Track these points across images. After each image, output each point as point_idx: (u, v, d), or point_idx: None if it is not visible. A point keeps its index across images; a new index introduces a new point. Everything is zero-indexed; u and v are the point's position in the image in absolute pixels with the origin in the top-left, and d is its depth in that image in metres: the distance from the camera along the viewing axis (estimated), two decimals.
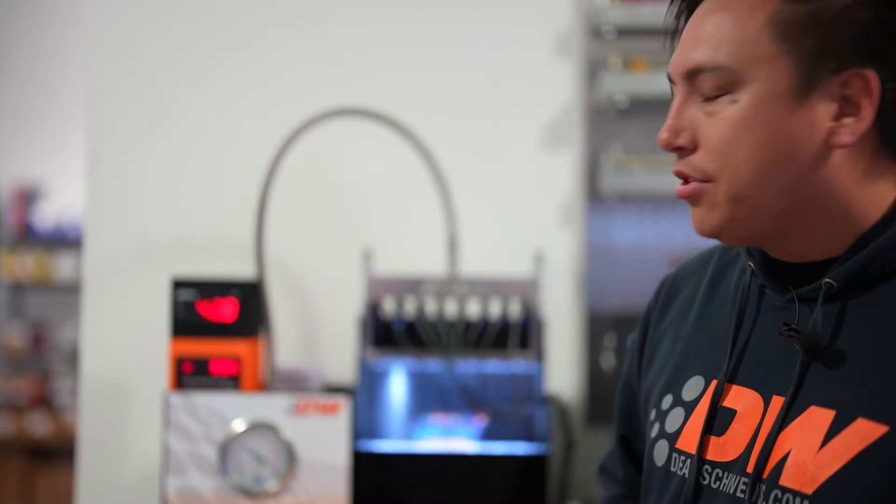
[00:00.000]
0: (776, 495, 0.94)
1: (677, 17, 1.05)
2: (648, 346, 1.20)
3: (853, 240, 0.98)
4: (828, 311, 0.98)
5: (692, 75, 0.99)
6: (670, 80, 1.03)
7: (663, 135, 1.01)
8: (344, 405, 1.82)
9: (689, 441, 1.05)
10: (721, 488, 1.00)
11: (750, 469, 0.98)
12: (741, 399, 1.02)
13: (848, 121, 0.96)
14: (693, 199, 1.02)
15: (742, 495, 0.98)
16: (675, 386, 1.11)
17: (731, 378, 1.04)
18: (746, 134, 0.97)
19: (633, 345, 1.25)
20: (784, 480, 0.94)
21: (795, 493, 0.93)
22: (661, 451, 1.09)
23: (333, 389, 2.02)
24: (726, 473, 1.00)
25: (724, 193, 0.99)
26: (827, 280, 0.98)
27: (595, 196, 2.23)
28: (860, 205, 0.98)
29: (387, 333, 2.03)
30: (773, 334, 1.02)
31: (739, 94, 0.97)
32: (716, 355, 1.07)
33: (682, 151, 1.01)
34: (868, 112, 0.96)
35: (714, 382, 1.05)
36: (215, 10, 2.30)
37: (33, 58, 6.14)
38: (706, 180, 1.00)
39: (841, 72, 0.95)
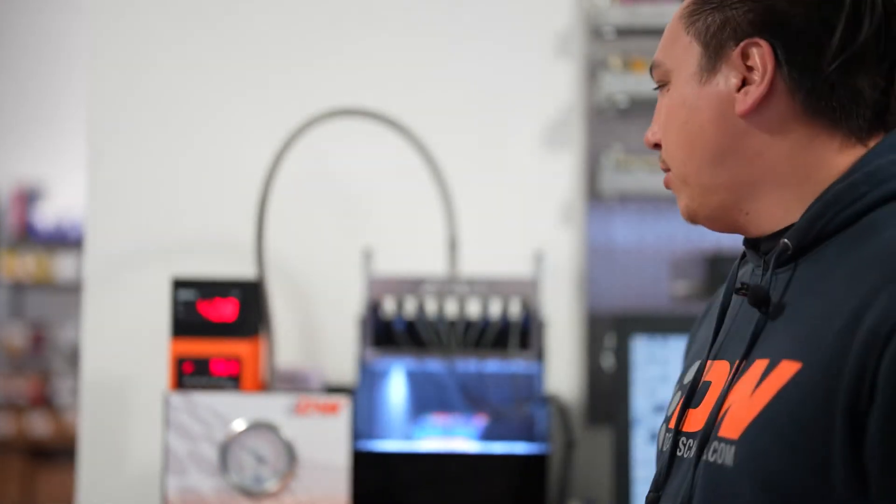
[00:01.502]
0: (714, 447, 0.98)
1: None
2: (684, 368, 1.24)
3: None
4: (785, 274, 1.02)
5: (652, 75, 1.12)
6: None
7: (646, 135, 1.13)
8: (344, 405, 1.82)
9: (675, 419, 1.09)
10: (687, 456, 1.04)
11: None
12: (715, 371, 1.06)
13: (749, 88, 1.02)
14: (672, 189, 1.11)
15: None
16: (682, 377, 1.16)
17: (716, 355, 1.08)
18: (672, 118, 1.08)
19: None
20: (721, 432, 0.98)
21: (727, 442, 0.97)
22: (660, 436, 1.14)
23: (333, 389, 2.02)
24: (692, 441, 1.04)
25: (677, 178, 1.08)
26: (783, 240, 1.01)
27: (595, 196, 2.24)
28: (814, 172, 1.02)
29: (387, 333, 2.03)
30: (749, 308, 1.05)
31: (672, 86, 1.08)
32: (709, 341, 1.12)
33: (657, 148, 1.11)
34: (762, 77, 1.01)
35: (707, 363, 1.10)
36: (216, 10, 2.30)
37: (34, 58, 6.14)
38: (668, 169, 1.09)
39: (739, 43, 1.02)
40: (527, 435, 2.02)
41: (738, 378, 1.00)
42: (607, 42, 2.23)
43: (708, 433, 1.00)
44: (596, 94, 2.22)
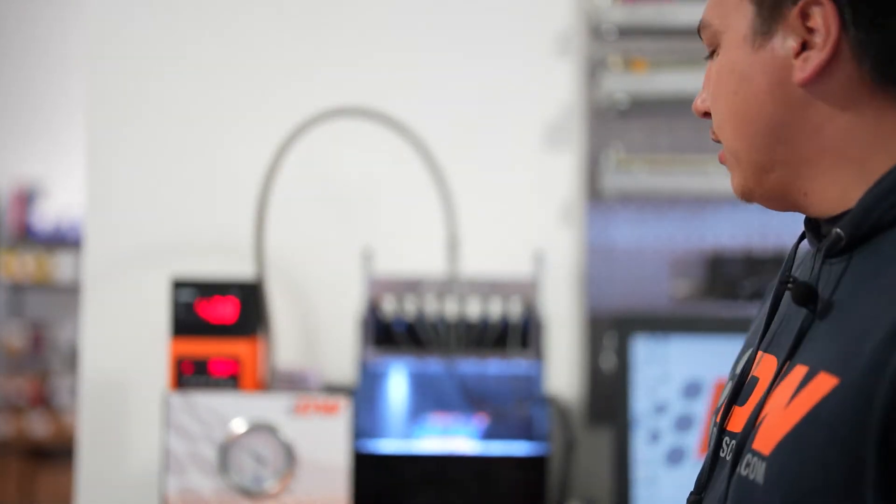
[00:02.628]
0: (748, 460, 0.91)
1: None
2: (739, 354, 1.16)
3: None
4: (837, 266, 0.93)
5: (701, 36, 1.00)
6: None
7: (694, 103, 1.02)
8: (344, 405, 1.82)
9: (721, 414, 1.02)
10: (729, 459, 0.97)
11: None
12: (764, 366, 0.98)
13: (809, 54, 0.91)
14: (725, 165, 1.01)
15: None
16: (735, 365, 1.07)
17: (766, 346, 1.00)
18: (722, 85, 0.97)
19: None
20: (754, 444, 0.91)
21: (759, 457, 0.89)
22: (711, 431, 1.06)
23: (333, 389, 2.02)
24: (734, 443, 0.96)
25: (728, 153, 0.98)
26: (836, 230, 0.91)
27: (595, 196, 2.23)
28: (879, 150, 0.91)
29: (387, 333, 2.03)
30: None
31: (720, 49, 0.97)
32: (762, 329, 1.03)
33: (706, 117, 1.01)
34: (825, 41, 0.90)
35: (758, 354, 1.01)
36: (216, 9, 2.30)
37: (33, 57, 6.14)
38: (720, 141, 1.00)
39: (797, 1, 0.91)
40: (527, 435, 2.02)
41: (779, 383, 0.92)
42: (607, 42, 2.23)
43: (743, 443, 0.93)
44: (596, 94, 2.22)
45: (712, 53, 0.99)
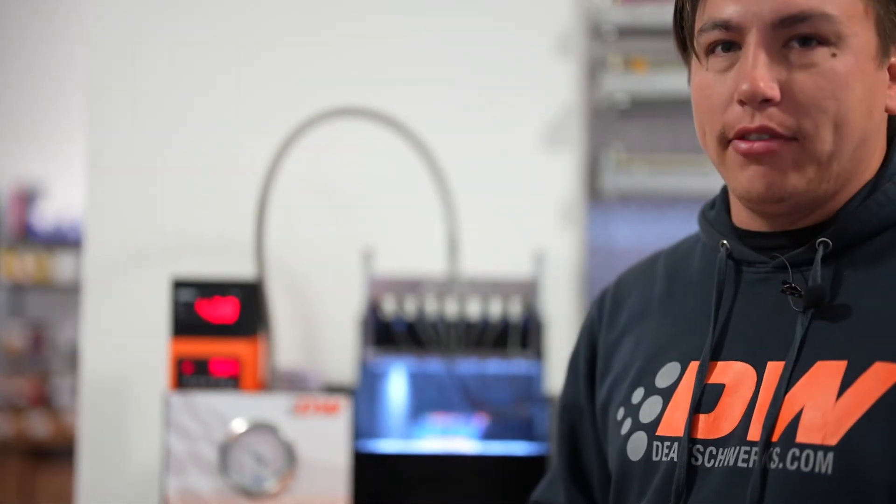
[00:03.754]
0: (794, 454, 0.91)
1: None
2: (601, 357, 1.17)
3: (843, 200, 1.00)
4: (823, 272, 0.98)
5: (790, 22, 0.95)
6: (725, 28, 0.97)
7: (757, 84, 0.95)
8: (344, 405, 1.82)
9: (672, 425, 1.01)
10: (716, 465, 0.96)
11: (752, 437, 0.94)
12: (729, 373, 0.99)
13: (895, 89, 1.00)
14: (770, 158, 0.97)
15: (744, 464, 0.94)
16: (646, 378, 1.07)
17: (715, 356, 1.01)
18: (847, 90, 0.95)
19: (576, 364, 1.22)
20: (802, 438, 0.91)
21: (817, 448, 0.90)
22: (637, 444, 1.04)
23: (333, 389, 2.02)
24: (721, 449, 0.96)
25: (812, 152, 0.96)
26: (822, 239, 0.98)
27: (595, 196, 2.23)
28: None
29: (387, 333, 2.03)
30: (756, 308, 1.01)
31: (840, 49, 0.95)
32: (691, 340, 1.04)
33: (766, 104, 0.96)
34: None
35: (693, 364, 1.02)
36: (215, 9, 2.30)
37: (33, 57, 6.14)
38: (791, 137, 0.96)
39: None
40: (527, 435, 2.02)
41: (795, 381, 0.94)
42: (607, 42, 2.23)
43: (768, 440, 0.93)
44: (596, 93, 2.22)
45: (805, 40, 0.95)
